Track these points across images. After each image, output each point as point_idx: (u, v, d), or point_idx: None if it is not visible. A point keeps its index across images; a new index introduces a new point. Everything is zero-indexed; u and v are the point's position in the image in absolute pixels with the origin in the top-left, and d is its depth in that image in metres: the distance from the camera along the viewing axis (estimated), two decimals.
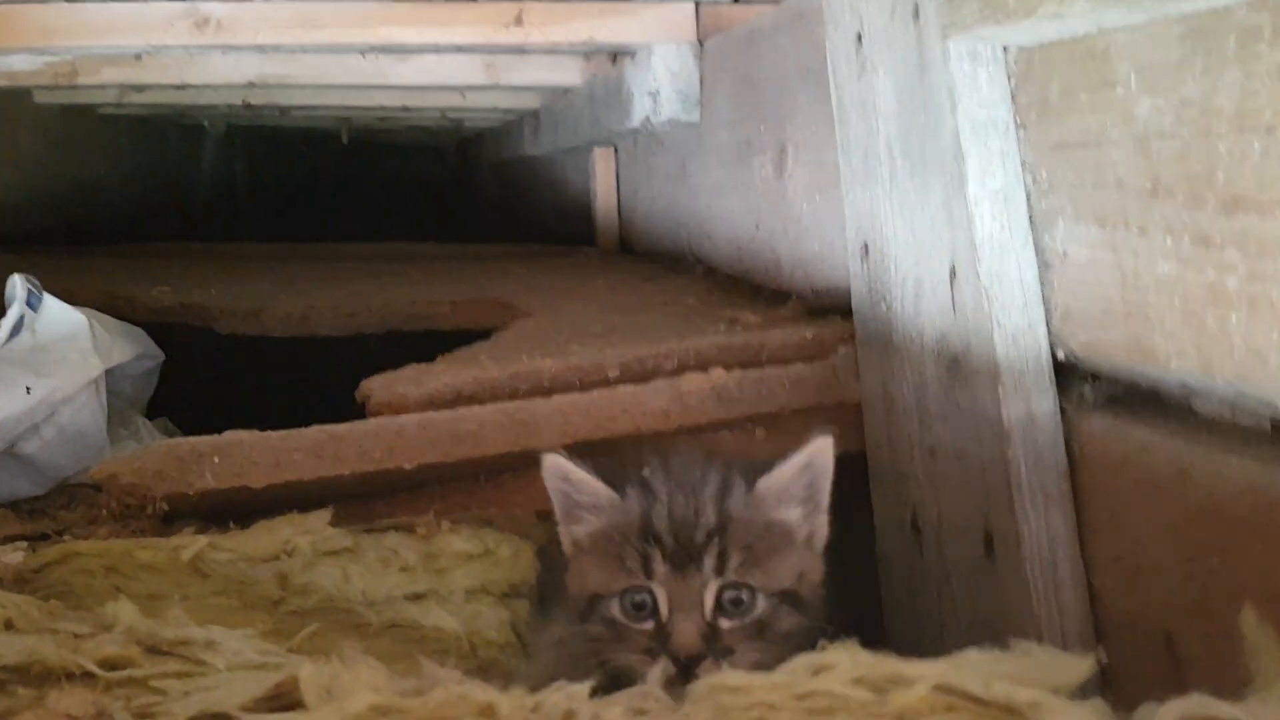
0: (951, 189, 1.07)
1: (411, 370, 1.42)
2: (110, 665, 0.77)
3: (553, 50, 2.50)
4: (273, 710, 0.71)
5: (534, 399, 1.29)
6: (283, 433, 1.22)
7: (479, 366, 1.39)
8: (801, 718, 0.65)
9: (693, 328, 1.56)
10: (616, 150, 2.94)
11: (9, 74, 2.65)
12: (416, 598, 1.15)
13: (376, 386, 1.37)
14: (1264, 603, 0.75)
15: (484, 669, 1.10)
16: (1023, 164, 1.05)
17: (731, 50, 1.99)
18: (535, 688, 0.69)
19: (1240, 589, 0.81)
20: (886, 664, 0.67)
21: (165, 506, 1.18)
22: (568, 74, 2.72)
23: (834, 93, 1.33)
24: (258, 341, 2.05)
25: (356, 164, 6.13)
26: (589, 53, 2.58)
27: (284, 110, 3.58)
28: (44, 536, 1.26)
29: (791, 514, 1.02)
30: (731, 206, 1.98)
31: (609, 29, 2.23)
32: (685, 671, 0.92)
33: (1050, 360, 1.04)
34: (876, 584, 1.29)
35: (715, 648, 0.94)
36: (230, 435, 1.22)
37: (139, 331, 1.78)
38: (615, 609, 0.97)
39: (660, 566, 0.96)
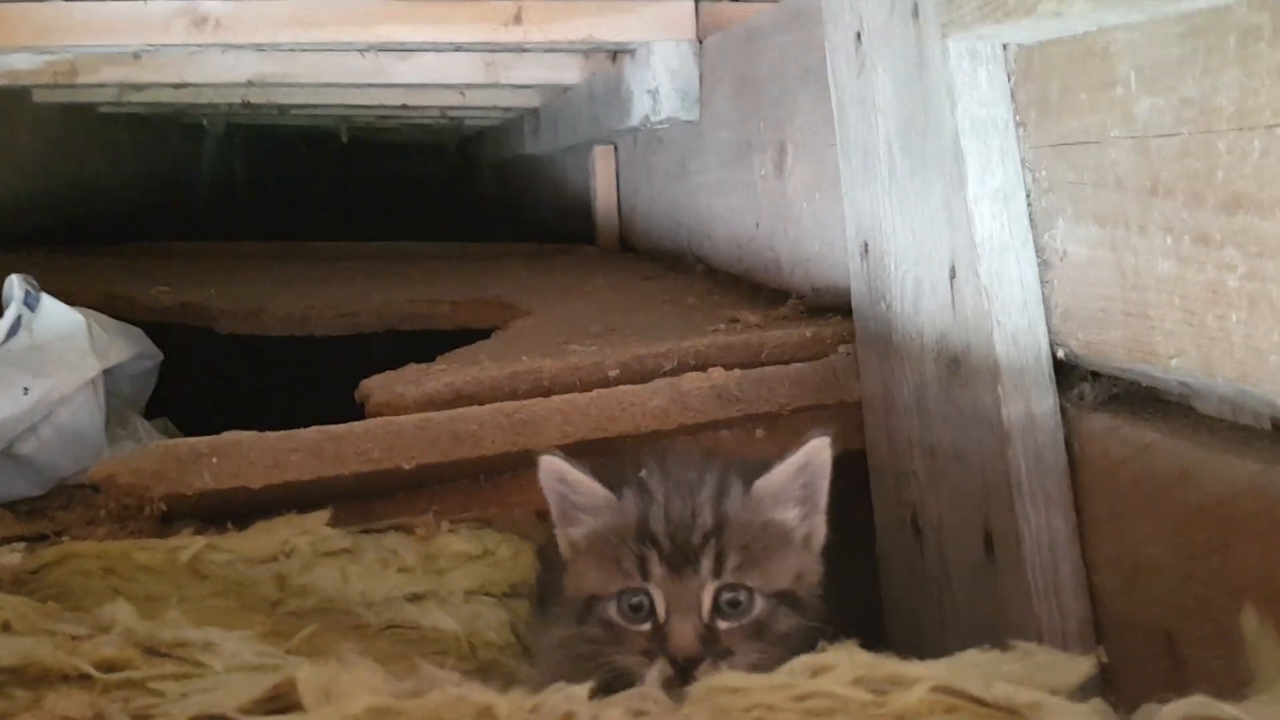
0: (951, 188, 1.07)
1: (411, 370, 1.42)
2: (108, 667, 0.77)
3: (552, 48, 2.50)
4: (270, 712, 0.71)
5: (533, 399, 1.29)
6: (281, 433, 1.21)
7: (478, 366, 1.39)
8: (801, 719, 0.65)
9: (693, 327, 1.56)
10: (616, 149, 2.94)
11: (9, 73, 2.65)
12: (415, 598, 1.15)
13: (376, 386, 1.37)
14: (1265, 603, 0.75)
15: (484, 670, 1.10)
16: (1022, 163, 1.05)
17: (731, 49, 1.99)
18: (539, 690, 0.69)
19: (1241, 589, 0.81)
20: (886, 665, 0.67)
21: (163, 507, 1.18)
22: (567, 72, 2.71)
23: (833, 91, 1.32)
24: (257, 341, 2.05)
25: (356, 163, 6.13)
26: (588, 51, 2.58)
27: (283, 109, 3.58)
28: (42, 537, 1.26)
29: (788, 514, 1.01)
30: (731, 205, 1.97)
31: (608, 27, 2.23)
32: (683, 673, 0.92)
33: (1050, 360, 1.04)
34: (876, 584, 1.29)
35: (713, 649, 0.93)
36: (229, 436, 1.22)
37: (137, 331, 1.77)
38: (612, 611, 0.97)
39: (657, 568, 0.96)
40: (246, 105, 3.29)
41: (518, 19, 2.22)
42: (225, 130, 4.97)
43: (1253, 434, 0.87)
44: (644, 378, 1.34)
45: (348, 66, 2.69)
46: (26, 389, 1.45)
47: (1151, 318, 0.89)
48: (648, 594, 0.96)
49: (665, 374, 1.35)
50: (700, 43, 2.16)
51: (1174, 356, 0.87)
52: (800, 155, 1.61)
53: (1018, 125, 1.05)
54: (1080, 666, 0.68)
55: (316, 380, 1.68)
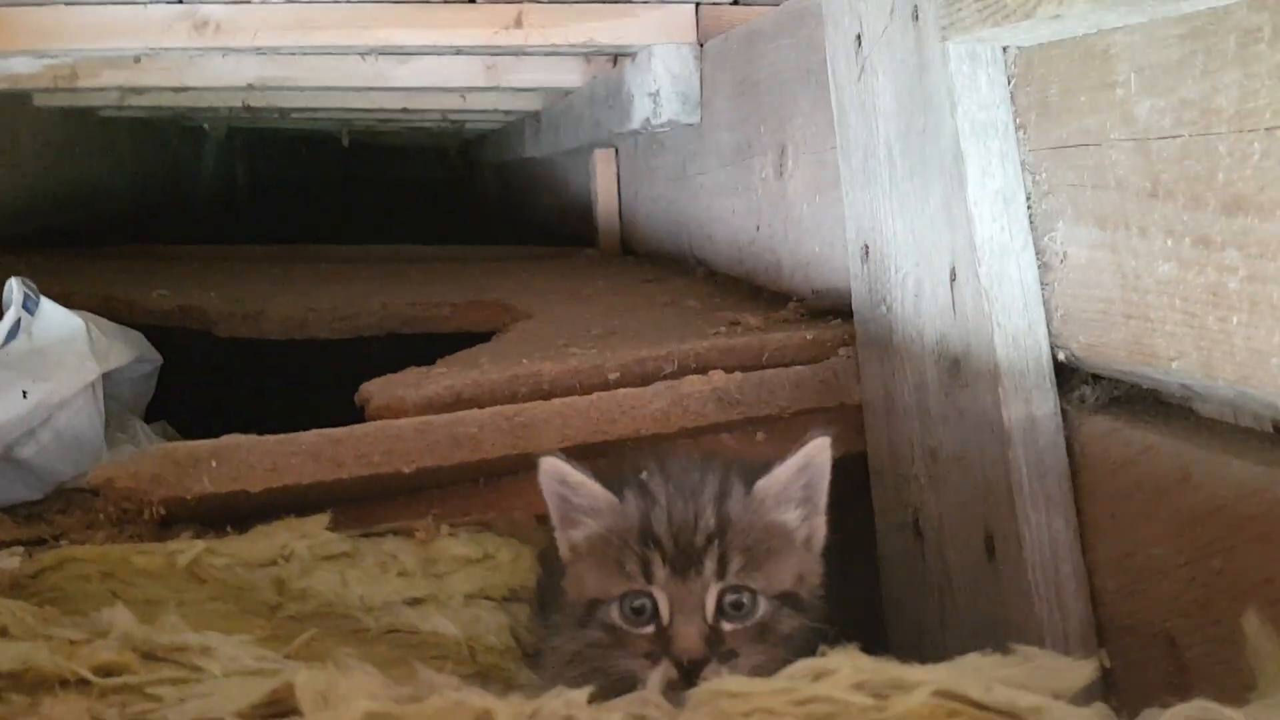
0: (951, 190, 1.07)
1: (411, 373, 1.42)
2: (105, 672, 0.77)
3: (553, 52, 2.50)
4: (268, 717, 0.71)
5: (534, 402, 1.29)
6: (281, 436, 1.21)
7: (478, 369, 1.38)
8: None
9: (693, 330, 1.56)
10: (617, 152, 2.94)
11: (9, 77, 2.65)
12: (415, 603, 1.15)
13: (375, 390, 1.36)
14: (1267, 605, 0.75)
15: (483, 674, 1.09)
16: (1022, 165, 1.05)
17: (731, 51, 1.99)
18: (539, 695, 0.68)
19: (1243, 591, 0.81)
20: (887, 669, 0.66)
21: (162, 511, 1.18)
22: (568, 75, 2.72)
23: (834, 94, 1.32)
24: (257, 344, 2.05)
25: (357, 166, 6.14)
26: (589, 54, 2.58)
27: (284, 112, 3.58)
28: (40, 541, 1.25)
29: (789, 515, 1.01)
30: (732, 208, 1.97)
31: (609, 30, 2.22)
32: (688, 675, 0.91)
33: (1051, 362, 1.04)
34: (877, 586, 1.29)
35: (718, 651, 0.93)
36: (228, 439, 1.22)
37: (137, 335, 1.77)
38: (615, 614, 0.97)
39: (660, 570, 0.95)
40: (247, 109, 3.29)
41: (518, 22, 2.22)
42: (226, 134, 4.98)
43: (1254, 436, 0.87)
44: (644, 380, 1.33)
45: (348, 70, 2.69)
46: (25, 393, 1.45)
47: (1152, 320, 0.89)
48: (651, 596, 0.95)
49: (666, 377, 1.35)
50: (701, 46, 2.16)
51: (1175, 359, 0.87)
52: (801, 157, 1.61)
53: (1018, 127, 1.05)
54: (1082, 670, 0.68)
55: (316, 384, 1.68)
